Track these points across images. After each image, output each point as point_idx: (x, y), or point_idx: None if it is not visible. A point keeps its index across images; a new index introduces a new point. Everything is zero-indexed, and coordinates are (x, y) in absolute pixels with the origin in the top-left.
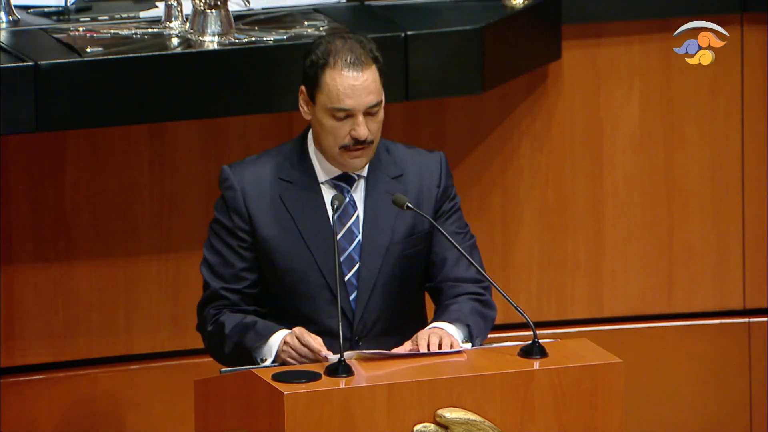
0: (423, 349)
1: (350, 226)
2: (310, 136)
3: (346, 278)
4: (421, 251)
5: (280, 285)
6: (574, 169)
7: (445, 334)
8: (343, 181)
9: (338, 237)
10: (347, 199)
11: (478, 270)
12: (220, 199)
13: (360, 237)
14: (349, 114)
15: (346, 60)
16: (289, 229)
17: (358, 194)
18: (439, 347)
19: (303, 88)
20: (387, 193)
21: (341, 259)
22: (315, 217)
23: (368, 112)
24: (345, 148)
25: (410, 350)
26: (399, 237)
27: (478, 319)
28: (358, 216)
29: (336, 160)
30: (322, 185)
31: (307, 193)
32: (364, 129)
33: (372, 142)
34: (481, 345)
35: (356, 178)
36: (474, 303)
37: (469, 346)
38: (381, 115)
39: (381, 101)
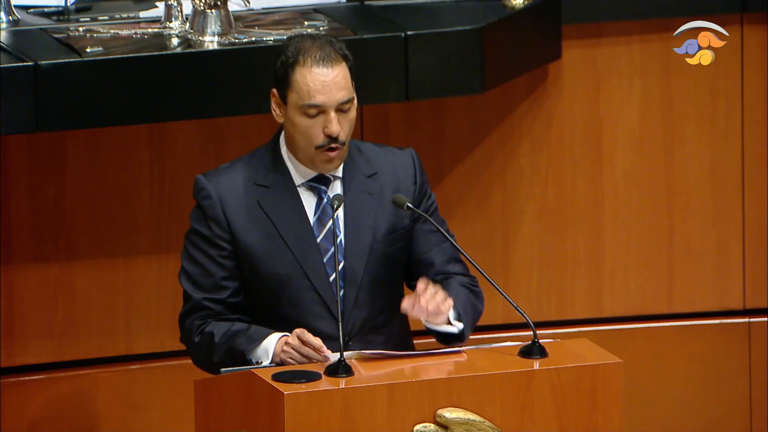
0: (421, 295)
1: (331, 227)
2: (282, 139)
3: (331, 279)
4: (403, 248)
5: (265, 290)
6: (574, 169)
7: (441, 290)
8: (319, 183)
9: (319, 239)
10: (325, 200)
11: (465, 264)
12: (196, 208)
13: (342, 237)
14: (321, 111)
15: (315, 57)
16: (270, 234)
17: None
18: (431, 301)
19: (274, 90)
20: (364, 192)
21: (324, 260)
22: (295, 220)
23: (340, 109)
24: (320, 148)
25: (410, 304)
26: (381, 235)
27: (469, 308)
28: (337, 216)
29: (312, 162)
30: (298, 188)
31: (284, 197)
32: (336, 125)
33: (344, 143)
34: (468, 335)
35: (332, 179)
36: (468, 293)
37: (461, 326)
38: (353, 113)
39: (352, 98)
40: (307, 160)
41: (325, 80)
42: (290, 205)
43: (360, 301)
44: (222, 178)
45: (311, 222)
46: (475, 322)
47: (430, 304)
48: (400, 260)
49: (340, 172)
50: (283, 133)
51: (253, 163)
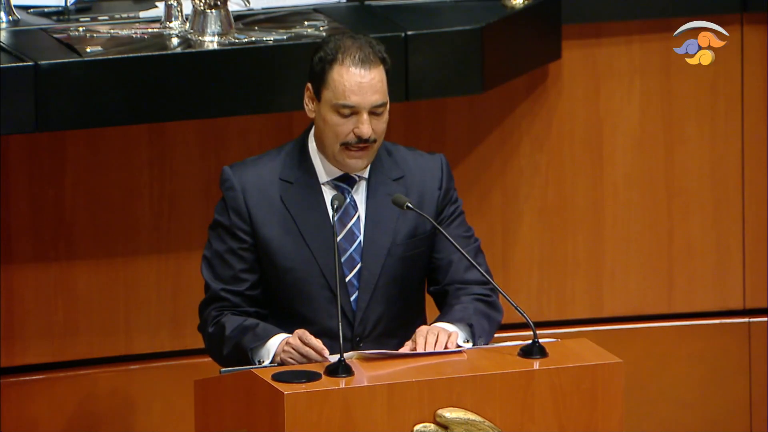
0: (420, 348)
1: (351, 227)
2: (311, 136)
3: (347, 279)
4: (423, 253)
5: (281, 285)
6: (574, 169)
7: (442, 331)
8: (344, 182)
9: (339, 238)
10: (347, 200)
11: (482, 272)
12: (221, 200)
13: (361, 238)
14: (354, 111)
15: (354, 57)
16: (290, 230)
17: (359, 195)
18: (436, 345)
19: (309, 85)
20: (388, 195)
21: (342, 260)
22: (315, 218)
23: (373, 112)
24: (346, 145)
25: (410, 350)
26: (401, 239)
27: (482, 319)
28: (359, 217)
29: (336, 159)
30: (323, 186)
31: (307, 194)
32: (367, 127)
33: (374, 141)
34: (484, 345)
35: (357, 179)
36: (479, 304)
37: (470, 345)
38: (386, 116)
39: (386, 102)
40: (333, 156)
41: (362, 82)
42: (312, 203)
43: (374, 304)
44: (248, 170)
45: (332, 220)
46: (491, 331)
47: (431, 349)
48: (420, 265)
49: (366, 174)
50: (312, 129)
51: (280, 157)
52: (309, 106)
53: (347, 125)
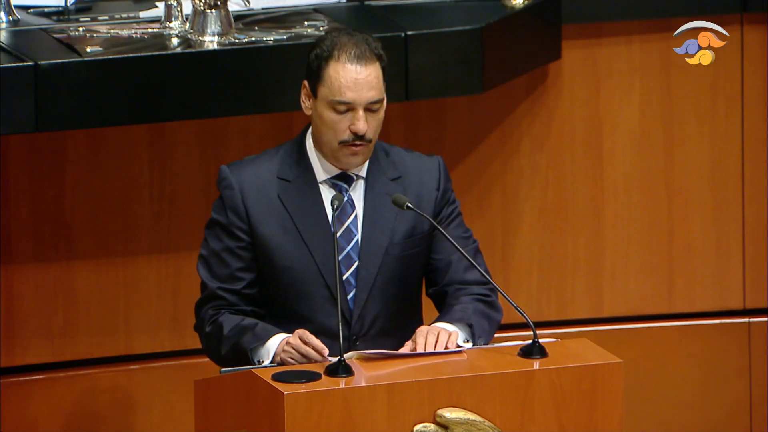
0: (420, 348)
1: (348, 226)
2: (309, 134)
3: (344, 277)
4: (420, 253)
5: (279, 284)
6: (574, 169)
7: (442, 331)
8: (342, 181)
9: (337, 236)
10: (346, 198)
11: (482, 273)
12: (218, 199)
13: (358, 236)
14: (350, 108)
15: (350, 53)
16: (288, 228)
17: (357, 194)
18: (436, 345)
19: (305, 82)
20: (386, 194)
21: (339, 258)
22: (313, 216)
23: (369, 108)
24: (344, 143)
25: (410, 350)
26: (398, 238)
27: (482, 319)
28: (356, 215)
29: (334, 157)
30: (320, 184)
31: (305, 192)
32: (363, 123)
33: (370, 141)
34: (484, 345)
35: (355, 177)
36: (478, 304)
37: (469, 345)
38: (381, 114)
39: (382, 99)
40: (330, 154)
41: (357, 78)
42: (310, 201)
43: (371, 302)
44: (245, 169)
45: (329, 219)
46: (491, 331)
47: (432, 349)
48: (417, 265)
49: (363, 172)
50: (310, 128)
51: (278, 156)
52: (305, 103)
53: (344, 122)
